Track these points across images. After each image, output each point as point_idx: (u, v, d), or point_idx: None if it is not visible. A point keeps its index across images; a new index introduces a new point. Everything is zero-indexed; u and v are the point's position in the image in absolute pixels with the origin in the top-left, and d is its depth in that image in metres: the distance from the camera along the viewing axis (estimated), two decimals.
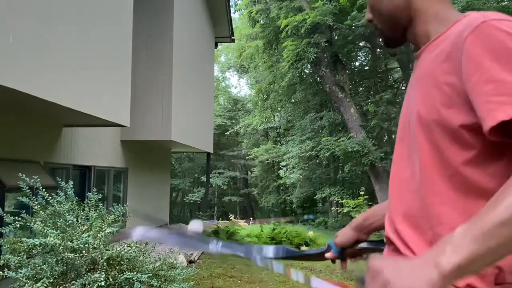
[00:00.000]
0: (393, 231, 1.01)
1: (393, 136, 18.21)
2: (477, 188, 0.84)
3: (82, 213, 3.68)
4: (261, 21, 18.61)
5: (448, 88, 0.85)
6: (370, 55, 20.40)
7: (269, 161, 24.32)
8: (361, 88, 20.63)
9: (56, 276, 3.19)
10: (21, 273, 3.07)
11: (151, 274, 3.51)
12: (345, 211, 11.64)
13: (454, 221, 0.84)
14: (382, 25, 1.09)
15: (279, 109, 23.15)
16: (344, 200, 12.03)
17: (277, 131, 26.85)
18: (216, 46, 13.33)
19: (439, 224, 0.89)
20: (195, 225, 1.25)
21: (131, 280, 3.26)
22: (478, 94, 0.77)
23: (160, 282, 3.57)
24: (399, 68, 17.64)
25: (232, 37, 13.38)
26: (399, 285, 0.63)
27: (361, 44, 19.22)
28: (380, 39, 1.15)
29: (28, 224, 3.36)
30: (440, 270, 0.62)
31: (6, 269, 3.16)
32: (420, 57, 1.01)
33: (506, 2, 13.63)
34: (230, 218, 18.12)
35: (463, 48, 0.82)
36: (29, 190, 3.50)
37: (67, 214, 3.43)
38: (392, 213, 1.04)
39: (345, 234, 1.28)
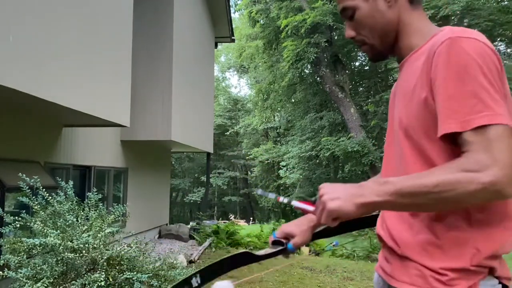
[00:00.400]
0: (383, 228, 1.09)
1: None
2: None
3: (82, 213, 3.68)
4: (261, 21, 18.61)
5: (421, 101, 0.95)
6: None
7: (269, 161, 24.33)
8: (361, 88, 20.63)
9: (56, 276, 3.19)
10: (21, 273, 3.07)
11: (151, 274, 3.51)
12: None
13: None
14: (373, 39, 1.12)
15: (279, 109, 23.15)
16: None
17: (277, 131, 26.85)
18: (216, 46, 13.32)
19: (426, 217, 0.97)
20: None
21: (131, 280, 3.26)
22: (438, 106, 0.90)
23: (160, 282, 3.57)
24: (399, 68, 17.59)
25: (232, 37, 13.36)
26: (330, 195, 0.91)
27: None
28: (366, 54, 1.19)
29: (28, 224, 3.36)
30: (361, 200, 0.90)
31: (6, 269, 3.16)
32: (403, 68, 1.09)
33: (506, 2, 13.63)
34: (230, 218, 18.13)
35: (432, 61, 0.92)
36: (29, 190, 3.50)
37: (67, 214, 3.44)
38: (383, 212, 1.12)
39: (304, 235, 1.23)
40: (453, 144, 0.89)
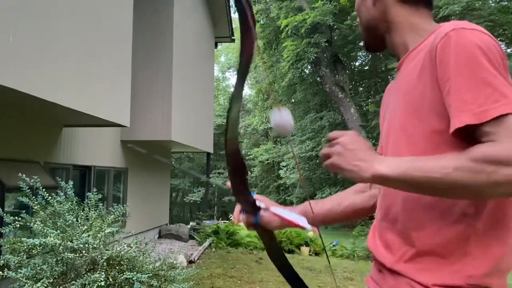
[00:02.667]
0: (374, 241, 1.06)
1: None
2: None
3: (82, 213, 3.68)
4: (261, 21, 18.62)
5: (425, 99, 0.91)
6: (370, 55, 20.38)
7: (269, 161, 24.32)
8: (361, 88, 20.64)
9: (56, 276, 3.18)
10: (21, 273, 3.06)
11: (151, 274, 3.51)
12: None
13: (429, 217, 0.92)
14: (362, 30, 1.16)
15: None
16: None
17: None
18: (216, 46, 13.31)
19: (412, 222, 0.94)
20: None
21: (131, 280, 3.26)
22: (448, 100, 0.85)
23: (160, 282, 3.57)
24: (397, 68, 17.60)
25: (232, 37, 13.36)
26: (350, 156, 0.89)
27: (361, 44, 19.20)
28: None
29: (28, 224, 3.36)
30: (375, 169, 0.86)
31: (6, 269, 3.15)
32: (401, 67, 1.07)
33: (506, 2, 13.63)
34: (230, 218, 18.13)
35: (436, 56, 0.87)
36: (29, 190, 3.50)
37: (67, 214, 3.43)
38: (375, 224, 1.08)
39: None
40: (466, 140, 0.84)
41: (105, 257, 3.33)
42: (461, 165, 0.79)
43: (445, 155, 0.83)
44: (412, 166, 0.83)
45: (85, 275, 3.20)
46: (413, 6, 1.05)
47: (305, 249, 9.96)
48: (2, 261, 3.25)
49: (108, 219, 3.74)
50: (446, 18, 12.22)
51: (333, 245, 10.36)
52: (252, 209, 1.11)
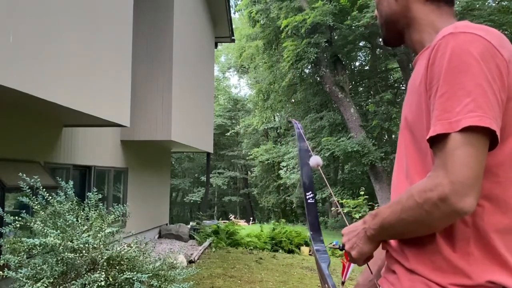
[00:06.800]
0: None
1: (393, 136, 18.21)
2: None
3: (82, 213, 3.68)
4: (261, 21, 18.61)
5: (421, 99, 0.92)
6: (370, 55, 20.40)
7: (269, 161, 24.33)
8: (361, 88, 20.64)
9: (56, 276, 3.18)
10: (21, 273, 3.07)
11: (151, 274, 3.51)
12: (345, 211, 11.64)
13: None
14: (381, 24, 1.16)
15: (279, 109, 23.14)
16: (344, 200, 12.03)
17: (277, 131, 26.85)
18: (216, 46, 13.32)
19: None
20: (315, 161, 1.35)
21: (131, 280, 3.26)
22: (432, 107, 0.88)
23: (160, 282, 3.56)
24: (399, 68, 17.63)
25: (232, 37, 13.36)
26: (349, 244, 1.02)
27: (361, 44, 19.21)
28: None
29: (28, 224, 3.36)
30: (365, 226, 0.99)
31: (6, 269, 3.15)
32: (415, 65, 1.06)
33: (506, 2, 13.63)
34: (230, 218, 18.14)
35: (429, 58, 0.89)
36: (29, 190, 3.50)
37: (67, 214, 3.43)
38: None
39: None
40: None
41: (105, 257, 3.33)
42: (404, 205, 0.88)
43: (398, 198, 0.92)
44: (385, 215, 0.94)
45: (85, 275, 3.20)
46: (434, 3, 1.05)
47: (305, 249, 9.96)
48: (2, 261, 3.25)
49: (108, 219, 3.74)
50: None
51: (333, 245, 10.36)
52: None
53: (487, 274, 0.86)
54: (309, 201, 1.33)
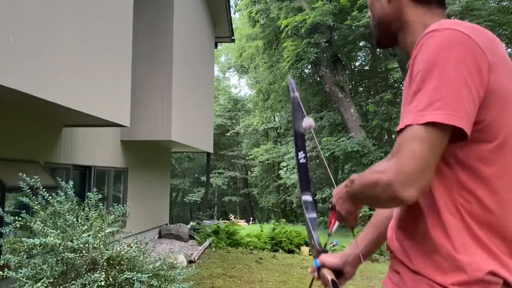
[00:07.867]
0: (392, 240, 1.07)
1: (393, 136, 18.21)
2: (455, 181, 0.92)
3: (82, 213, 3.68)
4: (261, 21, 18.61)
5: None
6: (370, 55, 20.39)
7: (269, 161, 24.31)
8: (361, 88, 20.64)
9: (56, 276, 3.19)
10: (21, 273, 3.07)
11: (151, 274, 3.51)
12: None
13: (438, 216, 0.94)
14: (374, 25, 1.17)
15: (279, 109, 23.14)
16: None
17: (277, 131, 26.85)
18: (216, 46, 13.32)
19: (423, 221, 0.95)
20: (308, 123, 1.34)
21: (131, 280, 3.26)
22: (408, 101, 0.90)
23: (160, 282, 3.57)
24: (399, 68, 17.63)
25: (232, 37, 13.36)
26: (335, 192, 1.08)
27: (361, 44, 19.21)
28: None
29: (28, 224, 3.36)
30: (347, 190, 1.02)
31: (6, 269, 3.16)
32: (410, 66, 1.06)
33: (506, 2, 13.64)
34: (230, 218, 18.12)
35: (413, 53, 0.91)
36: (29, 190, 3.50)
37: (67, 214, 3.44)
38: (394, 223, 1.09)
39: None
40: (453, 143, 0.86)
41: (105, 257, 3.33)
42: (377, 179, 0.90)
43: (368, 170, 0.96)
44: (356, 185, 0.99)
45: (85, 275, 3.20)
46: (425, 6, 1.05)
47: (305, 249, 9.96)
48: (2, 261, 3.25)
49: (108, 219, 3.75)
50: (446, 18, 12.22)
51: (333, 245, 10.36)
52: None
53: (488, 265, 0.87)
54: (300, 161, 1.35)
